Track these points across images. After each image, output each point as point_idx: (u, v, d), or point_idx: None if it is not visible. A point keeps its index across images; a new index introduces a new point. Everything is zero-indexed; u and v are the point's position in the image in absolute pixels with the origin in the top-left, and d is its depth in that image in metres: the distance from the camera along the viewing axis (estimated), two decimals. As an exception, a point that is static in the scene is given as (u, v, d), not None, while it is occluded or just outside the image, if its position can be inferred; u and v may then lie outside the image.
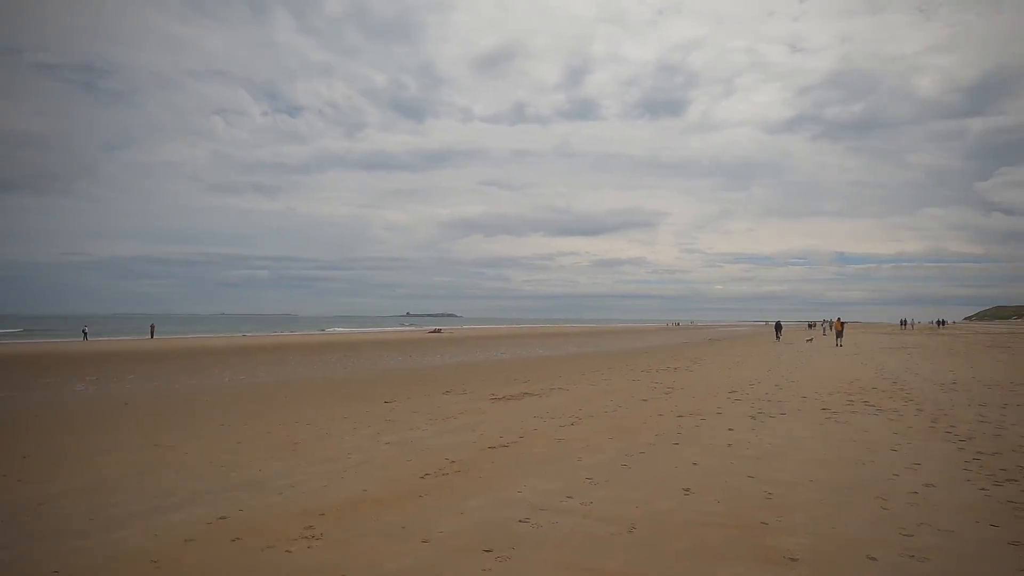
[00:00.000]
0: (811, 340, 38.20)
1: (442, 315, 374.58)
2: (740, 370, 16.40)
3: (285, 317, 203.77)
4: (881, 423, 8.07)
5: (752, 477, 5.43)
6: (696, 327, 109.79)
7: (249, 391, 13.71)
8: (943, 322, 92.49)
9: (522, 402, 10.74)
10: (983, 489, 4.94)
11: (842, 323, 32.98)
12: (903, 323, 75.89)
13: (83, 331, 46.32)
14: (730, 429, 7.76)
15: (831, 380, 13.41)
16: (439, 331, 66.91)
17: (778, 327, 45.17)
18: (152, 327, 51.26)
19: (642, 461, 6.12)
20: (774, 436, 7.28)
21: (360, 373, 18.39)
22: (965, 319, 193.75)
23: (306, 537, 4.06)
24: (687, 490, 5.04)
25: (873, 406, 9.54)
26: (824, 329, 57.04)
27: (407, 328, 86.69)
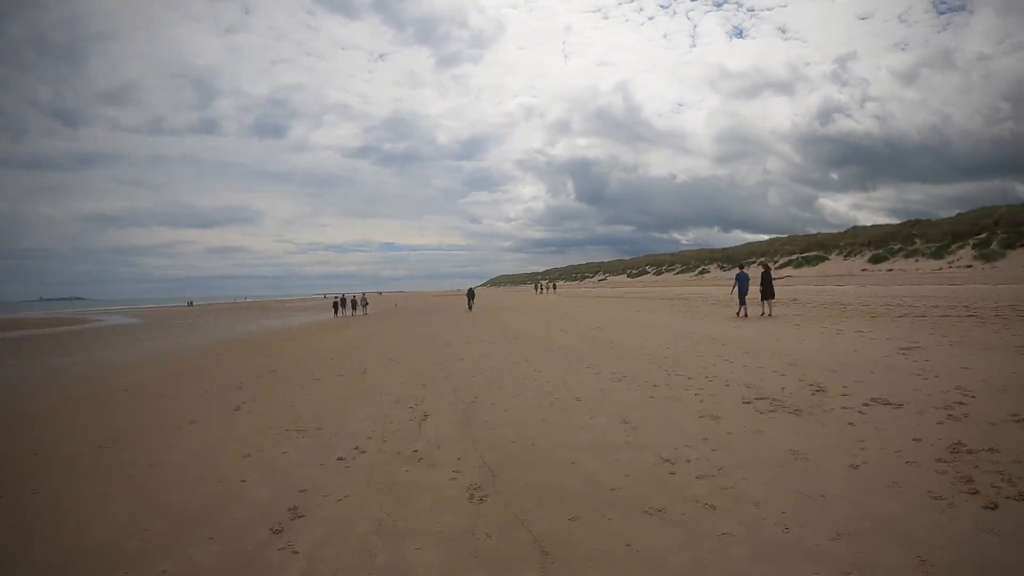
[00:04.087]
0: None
1: (72, 298, 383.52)
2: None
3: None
4: None
5: None
6: (265, 305, 78.37)
7: None
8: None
9: None
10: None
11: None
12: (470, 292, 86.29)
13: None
14: None
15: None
16: None
17: (471, 295, 37.46)
18: None
19: None
20: None
21: None
22: (481, 285, 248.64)
23: None
24: None
25: None
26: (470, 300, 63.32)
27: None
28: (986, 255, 41.45)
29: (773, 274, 18.00)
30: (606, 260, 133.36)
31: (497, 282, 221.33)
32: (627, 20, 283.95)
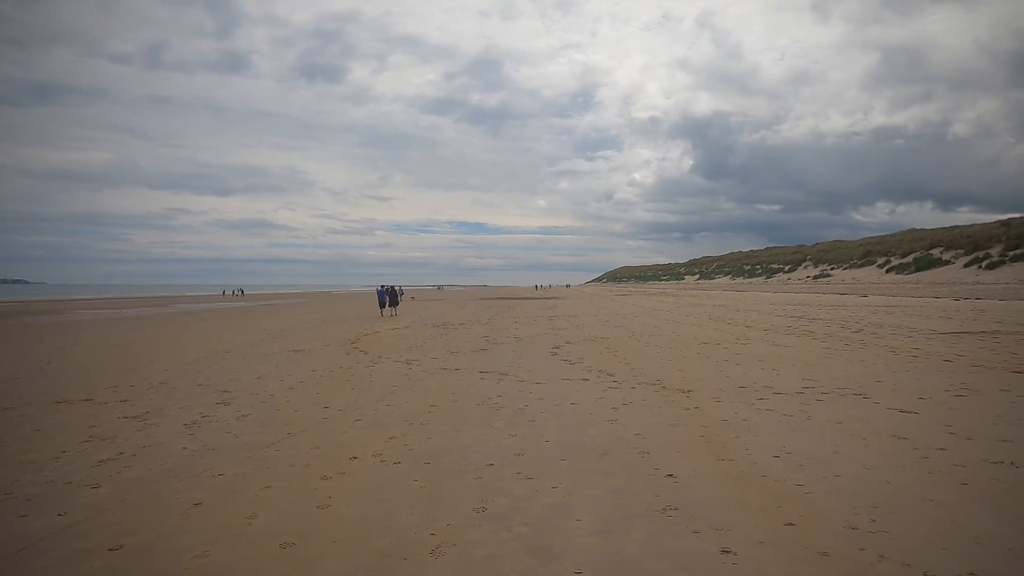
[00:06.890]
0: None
1: (6, 281, 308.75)
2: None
3: None
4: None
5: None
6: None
7: None
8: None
9: None
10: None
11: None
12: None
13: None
14: None
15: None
16: None
17: (392, 294, 28.35)
18: None
19: None
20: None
21: None
22: (594, 280, 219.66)
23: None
24: None
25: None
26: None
27: None
28: None
29: None
30: (758, 248, 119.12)
31: (617, 276, 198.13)
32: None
